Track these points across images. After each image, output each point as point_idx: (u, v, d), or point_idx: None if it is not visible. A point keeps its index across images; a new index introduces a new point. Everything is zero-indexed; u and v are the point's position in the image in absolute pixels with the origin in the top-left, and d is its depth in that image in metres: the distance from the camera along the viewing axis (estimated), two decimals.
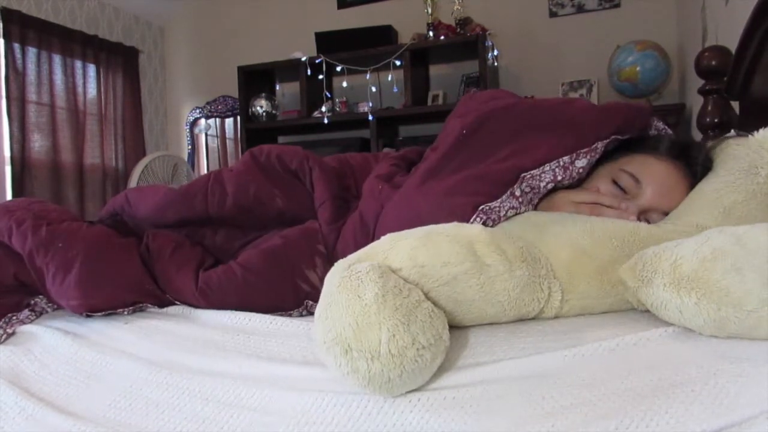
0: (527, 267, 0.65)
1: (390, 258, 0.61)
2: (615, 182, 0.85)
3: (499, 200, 0.78)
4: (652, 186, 0.83)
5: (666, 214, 0.82)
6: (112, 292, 0.92)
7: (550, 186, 0.81)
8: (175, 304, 0.95)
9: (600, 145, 0.82)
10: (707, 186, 0.79)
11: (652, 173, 0.84)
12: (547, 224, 0.73)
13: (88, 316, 0.93)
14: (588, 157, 0.81)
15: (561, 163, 0.81)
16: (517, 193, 0.79)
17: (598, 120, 0.83)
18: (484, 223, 0.76)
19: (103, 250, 0.94)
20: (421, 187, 0.85)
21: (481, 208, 0.77)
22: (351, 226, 0.91)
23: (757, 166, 0.76)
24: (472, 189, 0.79)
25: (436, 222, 0.71)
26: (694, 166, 0.85)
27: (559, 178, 0.80)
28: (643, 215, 0.83)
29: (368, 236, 0.87)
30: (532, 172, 0.80)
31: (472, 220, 0.76)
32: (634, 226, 0.73)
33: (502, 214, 0.78)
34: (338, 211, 0.95)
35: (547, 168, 0.80)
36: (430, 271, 0.61)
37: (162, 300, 0.95)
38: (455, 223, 0.68)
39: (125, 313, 0.93)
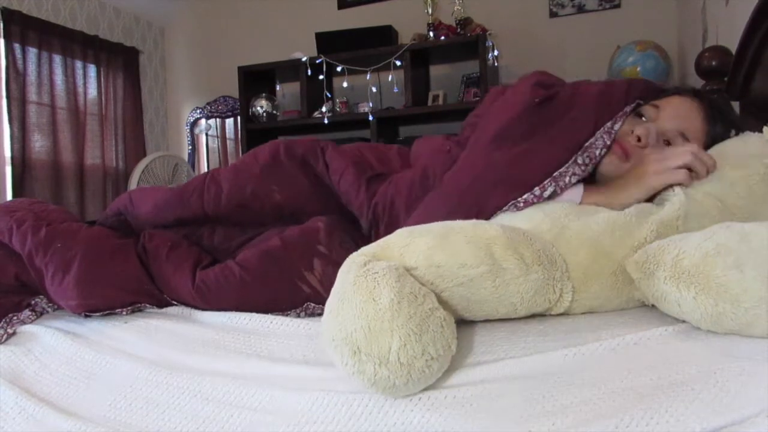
0: (543, 270, 0.64)
1: (406, 256, 0.61)
2: (639, 115, 0.94)
3: (566, 165, 0.84)
4: (668, 108, 0.93)
5: (685, 136, 0.90)
6: (111, 292, 0.91)
7: (603, 152, 0.89)
8: (173, 304, 0.95)
9: (628, 108, 0.92)
10: (718, 162, 0.82)
11: (670, 101, 0.95)
12: (570, 219, 0.73)
13: (86, 316, 0.93)
14: (622, 120, 0.91)
15: (605, 129, 0.89)
16: (579, 161, 0.85)
17: (626, 90, 0.95)
18: (553, 191, 0.82)
19: (101, 251, 0.94)
20: (493, 150, 0.89)
21: (554, 175, 0.82)
22: (409, 177, 0.95)
23: (766, 152, 0.81)
24: (545, 155, 0.85)
25: (507, 184, 0.80)
26: (711, 108, 0.94)
27: (608, 142, 0.89)
28: (664, 137, 0.91)
29: (426, 189, 0.91)
30: (590, 140, 0.88)
31: (543, 185, 0.82)
32: (650, 227, 0.73)
33: (567, 180, 0.83)
34: (361, 172, 0.98)
35: (599, 135, 0.88)
36: (446, 272, 0.60)
37: (160, 300, 0.95)
38: (474, 223, 0.67)
39: (124, 313, 0.93)
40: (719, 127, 0.93)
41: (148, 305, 0.94)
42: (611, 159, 0.92)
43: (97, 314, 0.92)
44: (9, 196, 3.26)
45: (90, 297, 0.91)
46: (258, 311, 0.87)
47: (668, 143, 0.91)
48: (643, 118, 0.94)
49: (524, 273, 0.63)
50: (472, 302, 0.63)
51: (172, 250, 0.96)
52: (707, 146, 0.92)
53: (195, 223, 1.03)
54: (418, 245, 0.61)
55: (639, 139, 0.90)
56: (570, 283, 0.67)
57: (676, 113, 0.93)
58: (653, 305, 0.66)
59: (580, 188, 0.87)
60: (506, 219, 0.76)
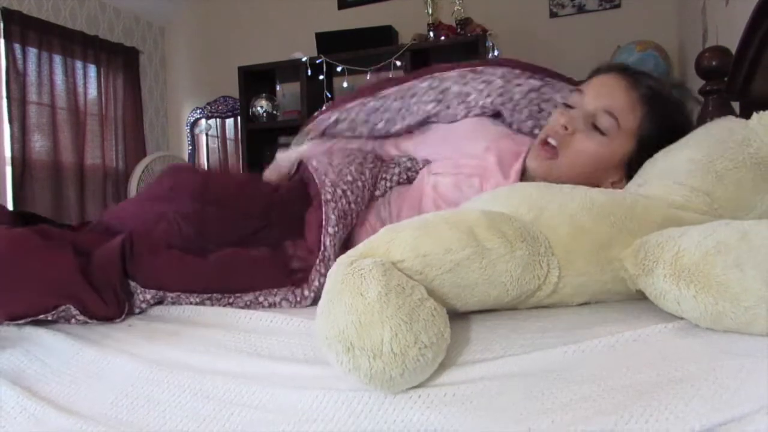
0: (527, 246, 0.65)
1: (391, 250, 0.61)
2: (566, 104, 1.02)
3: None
4: (590, 90, 1.00)
5: (609, 113, 0.95)
6: (29, 296, 0.85)
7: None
8: (98, 317, 0.88)
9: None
10: (700, 152, 0.82)
11: (591, 82, 1.02)
12: (547, 200, 0.74)
13: (9, 324, 0.88)
14: None
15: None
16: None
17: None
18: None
19: (19, 254, 0.87)
20: None
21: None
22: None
23: (750, 138, 0.80)
24: None
25: None
26: (632, 74, 1.00)
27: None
28: (592, 120, 0.97)
29: None
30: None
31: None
32: (631, 202, 0.74)
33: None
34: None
35: None
36: (433, 259, 0.61)
37: (88, 307, 0.87)
38: (452, 210, 0.69)
39: (49, 317, 0.86)
40: (645, 88, 0.97)
41: (72, 308, 0.86)
42: (539, 159, 1.02)
43: (21, 322, 0.87)
44: (9, 197, 3.26)
45: (8, 304, 0.85)
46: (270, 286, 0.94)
47: (596, 127, 0.97)
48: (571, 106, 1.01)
49: (509, 251, 0.63)
50: (463, 288, 0.63)
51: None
52: (648, 111, 0.97)
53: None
54: (402, 238, 0.62)
55: (566, 128, 0.97)
56: (555, 259, 0.68)
57: (597, 92, 0.98)
58: (645, 298, 0.66)
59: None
60: (484, 205, 0.76)
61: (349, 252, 0.64)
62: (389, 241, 0.62)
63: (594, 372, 0.55)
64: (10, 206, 3.24)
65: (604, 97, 0.97)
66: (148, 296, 0.93)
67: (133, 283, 0.93)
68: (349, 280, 0.56)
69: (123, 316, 0.90)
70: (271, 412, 0.62)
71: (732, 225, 0.59)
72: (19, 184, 3.27)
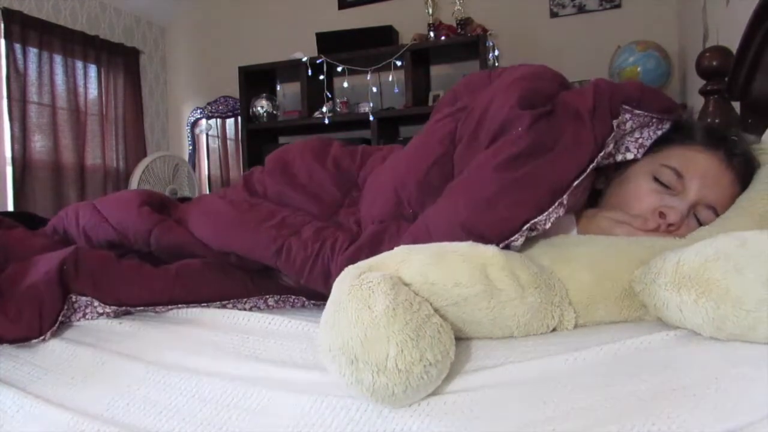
0: (539, 294, 0.64)
1: (401, 271, 0.60)
2: (656, 179, 0.83)
3: (546, 212, 0.72)
4: (696, 179, 0.82)
5: (713, 208, 0.81)
6: None
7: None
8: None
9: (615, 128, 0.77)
10: (740, 196, 0.80)
11: (695, 167, 0.82)
12: (570, 245, 0.72)
13: None
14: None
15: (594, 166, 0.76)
16: (565, 201, 0.74)
17: (609, 102, 0.78)
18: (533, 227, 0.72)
19: None
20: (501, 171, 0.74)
21: (534, 221, 0.71)
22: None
23: None
24: (521, 210, 0.72)
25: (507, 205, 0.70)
26: (734, 156, 0.83)
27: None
28: (692, 211, 0.82)
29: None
30: (578, 180, 0.74)
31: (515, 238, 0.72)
32: (651, 244, 0.72)
33: (547, 225, 0.73)
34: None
35: (587, 172, 0.75)
36: (440, 290, 0.60)
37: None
38: (470, 243, 0.66)
39: None
40: (742, 167, 0.84)
41: None
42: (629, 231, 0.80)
43: None
44: (9, 196, 3.26)
45: None
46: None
47: (697, 219, 0.82)
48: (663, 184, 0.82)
49: (520, 295, 0.62)
50: (467, 323, 0.62)
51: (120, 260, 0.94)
52: (740, 194, 0.82)
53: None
54: (414, 262, 0.61)
55: (670, 225, 0.80)
56: (571, 308, 0.67)
57: (704, 183, 0.81)
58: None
59: (571, 220, 0.82)
60: None
61: (359, 264, 0.63)
62: (401, 261, 0.61)
63: (595, 380, 0.55)
64: (10, 206, 3.24)
65: (710, 190, 0.81)
66: (109, 310, 0.89)
67: (85, 298, 0.88)
68: (356, 292, 0.55)
69: (42, 337, 0.83)
70: (269, 416, 0.62)
71: (732, 235, 0.59)
72: (19, 184, 3.27)
